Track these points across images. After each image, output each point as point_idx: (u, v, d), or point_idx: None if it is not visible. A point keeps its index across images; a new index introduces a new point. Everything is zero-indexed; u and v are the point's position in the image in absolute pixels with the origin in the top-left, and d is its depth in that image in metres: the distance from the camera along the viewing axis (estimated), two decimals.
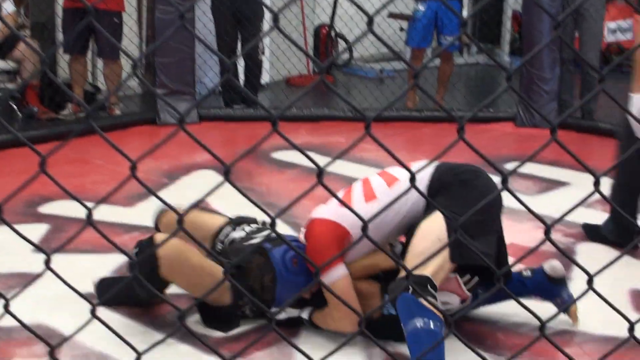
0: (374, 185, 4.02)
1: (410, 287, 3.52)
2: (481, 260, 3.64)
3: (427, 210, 3.88)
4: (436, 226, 3.73)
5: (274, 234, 3.89)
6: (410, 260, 3.68)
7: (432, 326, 3.44)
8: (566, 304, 4.15)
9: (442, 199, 3.83)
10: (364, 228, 1.34)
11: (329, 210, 3.96)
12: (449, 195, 3.83)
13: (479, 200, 3.66)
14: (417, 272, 3.58)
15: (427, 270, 3.59)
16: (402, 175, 4.04)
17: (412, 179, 1.23)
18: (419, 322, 3.45)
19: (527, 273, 4.23)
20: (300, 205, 5.55)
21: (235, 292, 3.99)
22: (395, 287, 3.63)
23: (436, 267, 3.64)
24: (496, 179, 1.28)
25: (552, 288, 4.18)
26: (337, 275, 3.83)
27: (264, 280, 4.00)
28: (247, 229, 4.32)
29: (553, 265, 4.21)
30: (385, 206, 1.37)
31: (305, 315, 4.03)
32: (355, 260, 4.03)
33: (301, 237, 4.02)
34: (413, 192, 3.89)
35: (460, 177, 3.89)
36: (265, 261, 4.03)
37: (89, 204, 1.39)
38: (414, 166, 3.79)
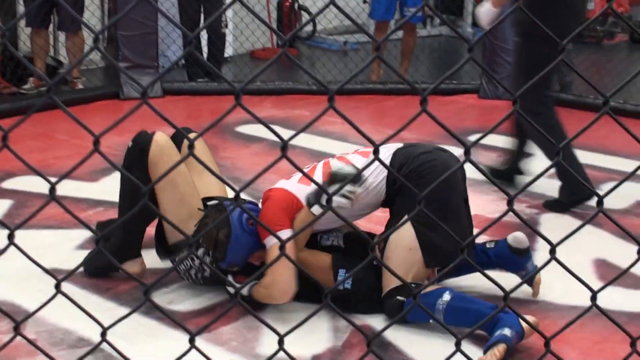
0: (350, 157, 4.09)
1: (401, 298, 3.81)
2: (454, 258, 3.72)
3: (392, 218, 4.03)
4: (405, 236, 3.87)
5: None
6: (389, 278, 3.88)
7: (448, 297, 3.78)
8: (529, 275, 4.18)
9: (400, 200, 3.95)
10: (328, 200, 1.35)
11: (289, 183, 4.01)
12: (408, 193, 3.91)
13: (438, 192, 3.78)
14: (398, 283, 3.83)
15: (407, 279, 3.80)
16: (360, 160, 4.06)
17: (376, 151, 1.23)
18: (440, 304, 3.76)
19: (491, 244, 4.26)
20: (266, 179, 5.51)
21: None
22: (390, 309, 3.86)
23: (415, 274, 3.87)
24: (459, 151, 1.29)
25: (515, 260, 4.21)
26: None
27: (219, 236, 3.92)
28: None
29: (516, 237, 4.24)
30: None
31: (245, 291, 3.97)
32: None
33: (260, 204, 4.05)
34: (374, 174, 3.95)
35: (417, 168, 3.93)
36: (222, 218, 3.97)
37: (53, 179, 1.38)
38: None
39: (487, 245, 4.26)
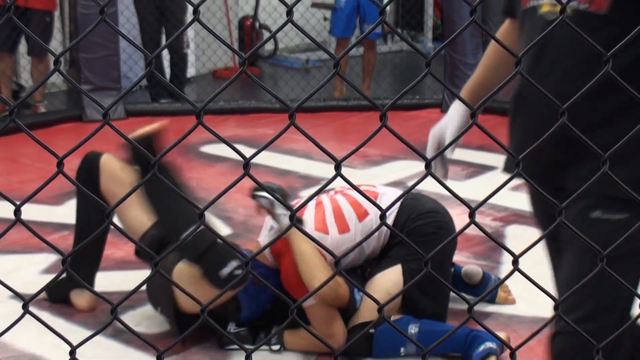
0: (346, 215, 3.98)
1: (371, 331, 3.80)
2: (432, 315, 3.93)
3: (382, 258, 4.01)
4: (388, 280, 3.87)
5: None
6: (359, 313, 3.86)
7: (418, 323, 3.82)
8: (492, 288, 4.21)
9: (399, 248, 3.93)
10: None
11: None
12: (406, 248, 3.91)
13: (435, 266, 3.81)
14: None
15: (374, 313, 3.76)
16: (371, 209, 4.01)
17: (338, 167, 1.24)
18: (412, 329, 3.79)
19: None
20: (232, 199, 5.55)
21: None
22: (357, 341, 3.76)
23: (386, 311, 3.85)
24: (421, 165, 1.30)
25: (470, 290, 4.25)
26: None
27: (229, 308, 3.88)
28: None
29: (468, 272, 4.27)
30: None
31: (275, 346, 3.90)
32: None
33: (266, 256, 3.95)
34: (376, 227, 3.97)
35: (421, 228, 3.94)
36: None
37: (18, 202, 1.38)
38: (382, 191, 4.01)
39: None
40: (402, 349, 3.82)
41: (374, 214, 3.98)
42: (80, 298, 4.23)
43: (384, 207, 1.37)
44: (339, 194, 4.08)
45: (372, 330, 3.79)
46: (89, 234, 4.02)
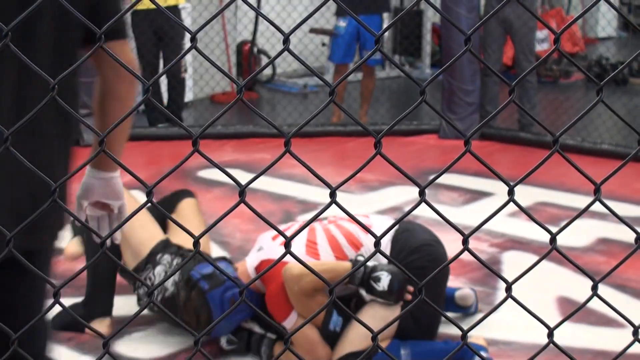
0: (342, 245, 4.01)
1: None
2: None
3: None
4: (379, 309, 3.85)
5: (209, 270, 3.93)
6: (349, 341, 3.86)
7: (407, 346, 3.87)
8: (486, 315, 4.21)
9: None
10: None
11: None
12: None
13: (430, 296, 3.81)
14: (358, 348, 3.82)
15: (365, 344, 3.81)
16: (366, 240, 4.04)
17: (333, 194, 1.24)
18: (403, 353, 3.85)
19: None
20: (229, 224, 5.54)
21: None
22: None
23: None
24: (415, 191, 1.30)
25: (461, 310, 4.34)
26: (294, 320, 3.87)
27: (200, 319, 3.91)
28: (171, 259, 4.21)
29: (462, 295, 4.33)
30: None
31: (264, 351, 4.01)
32: None
33: (247, 271, 4.03)
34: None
35: (414, 263, 3.94)
36: (201, 302, 3.91)
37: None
38: (374, 222, 4.03)
39: None
40: None
41: (367, 246, 4.00)
42: (98, 324, 4.18)
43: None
44: (332, 224, 4.09)
45: None
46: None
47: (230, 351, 4.02)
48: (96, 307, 4.21)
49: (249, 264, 4.03)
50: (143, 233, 4.16)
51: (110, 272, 4.22)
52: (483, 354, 3.73)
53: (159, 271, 4.11)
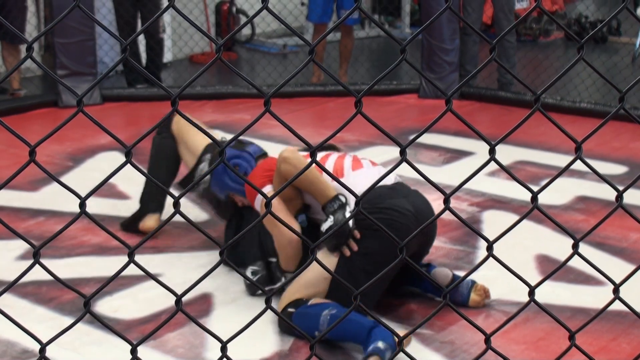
0: (362, 161, 4.23)
1: (290, 309, 3.87)
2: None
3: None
4: (327, 263, 3.88)
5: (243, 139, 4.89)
6: (289, 291, 3.93)
7: (334, 310, 3.78)
8: (467, 274, 4.19)
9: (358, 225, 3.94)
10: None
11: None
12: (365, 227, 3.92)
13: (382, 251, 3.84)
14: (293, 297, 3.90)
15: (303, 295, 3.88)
16: (354, 181, 4.08)
17: (313, 154, 1.23)
18: (325, 315, 3.79)
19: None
20: None
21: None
22: (281, 320, 3.90)
23: (312, 295, 3.90)
24: (395, 151, 1.30)
25: (438, 292, 4.25)
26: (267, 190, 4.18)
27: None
28: None
29: (437, 274, 4.21)
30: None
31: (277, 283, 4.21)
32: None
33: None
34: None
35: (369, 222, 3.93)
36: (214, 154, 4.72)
37: None
38: (376, 168, 4.20)
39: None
40: (316, 332, 3.81)
41: (354, 187, 4.02)
42: (148, 220, 4.95)
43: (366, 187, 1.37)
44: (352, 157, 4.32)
45: (291, 310, 3.83)
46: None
47: (254, 284, 4.02)
48: (149, 204, 4.95)
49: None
50: (197, 137, 4.83)
51: (169, 175, 4.96)
52: (382, 346, 3.66)
53: (202, 167, 4.83)
